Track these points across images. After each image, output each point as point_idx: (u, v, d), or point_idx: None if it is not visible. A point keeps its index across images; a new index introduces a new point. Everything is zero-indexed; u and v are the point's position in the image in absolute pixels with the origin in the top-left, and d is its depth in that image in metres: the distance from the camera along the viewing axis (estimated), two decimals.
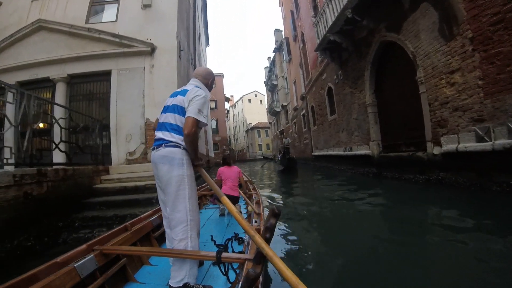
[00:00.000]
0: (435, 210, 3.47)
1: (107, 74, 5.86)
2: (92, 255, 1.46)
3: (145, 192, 3.74)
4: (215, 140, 32.82)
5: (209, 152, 18.08)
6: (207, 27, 22.72)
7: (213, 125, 33.36)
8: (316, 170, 11.45)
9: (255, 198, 3.29)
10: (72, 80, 6.07)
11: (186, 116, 1.47)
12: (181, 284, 1.35)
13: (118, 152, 5.42)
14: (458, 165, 4.30)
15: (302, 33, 14.76)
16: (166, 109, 1.59)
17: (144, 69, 5.82)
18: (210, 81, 1.80)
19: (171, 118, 1.53)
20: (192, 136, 1.44)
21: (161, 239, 2.24)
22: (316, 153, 13.49)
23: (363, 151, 7.54)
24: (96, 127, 4.57)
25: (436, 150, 4.74)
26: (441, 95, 4.64)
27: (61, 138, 3.63)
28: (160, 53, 5.92)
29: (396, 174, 5.87)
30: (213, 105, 34.02)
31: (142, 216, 2.32)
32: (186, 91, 1.56)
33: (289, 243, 2.75)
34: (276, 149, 27.97)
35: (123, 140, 5.48)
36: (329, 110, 10.96)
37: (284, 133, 23.98)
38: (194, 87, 1.60)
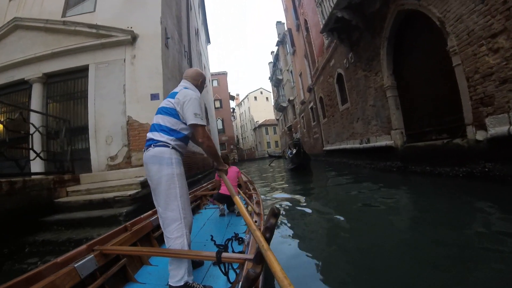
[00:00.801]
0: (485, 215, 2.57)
1: (84, 70, 5.18)
2: (92, 255, 1.45)
3: (114, 206, 2.97)
4: (222, 140, 32.34)
5: None
6: (207, 25, 22.18)
7: (219, 125, 32.76)
8: (329, 167, 10.41)
9: (255, 198, 3.22)
10: (49, 80, 5.44)
11: (188, 124, 1.51)
12: (182, 283, 1.35)
13: (98, 157, 4.71)
14: (511, 152, 3.33)
15: (305, 20, 13.85)
16: (157, 112, 1.61)
17: (124, 60, 5.08)
18: (200, 81, 1.79)
19: (160, 119, 1.54)
20: (207, 142, 1.53)
21: (161, 239, 2.19)
22: (328, 147, 12.56)
23: (383, 142, 6.52)
24: (62, 129, 3.83)
25: (480, 135, 3.80)
26: (482, 65, 3.69)
27: (6, 143, 2.94)
28: (142, 41, 5.18)
29: (427, 167, 4.87)
30: (218, 104, 33.37)
31: (142, 216, 2.28)
32: (176, 93, 1.58)
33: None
34: (284, 146, 27.04)
35: (103, 143, 4.77)
36: (340, 99, 9.95)
37: (293, 129, 23.12)
38: (182, 89, 1.61)
